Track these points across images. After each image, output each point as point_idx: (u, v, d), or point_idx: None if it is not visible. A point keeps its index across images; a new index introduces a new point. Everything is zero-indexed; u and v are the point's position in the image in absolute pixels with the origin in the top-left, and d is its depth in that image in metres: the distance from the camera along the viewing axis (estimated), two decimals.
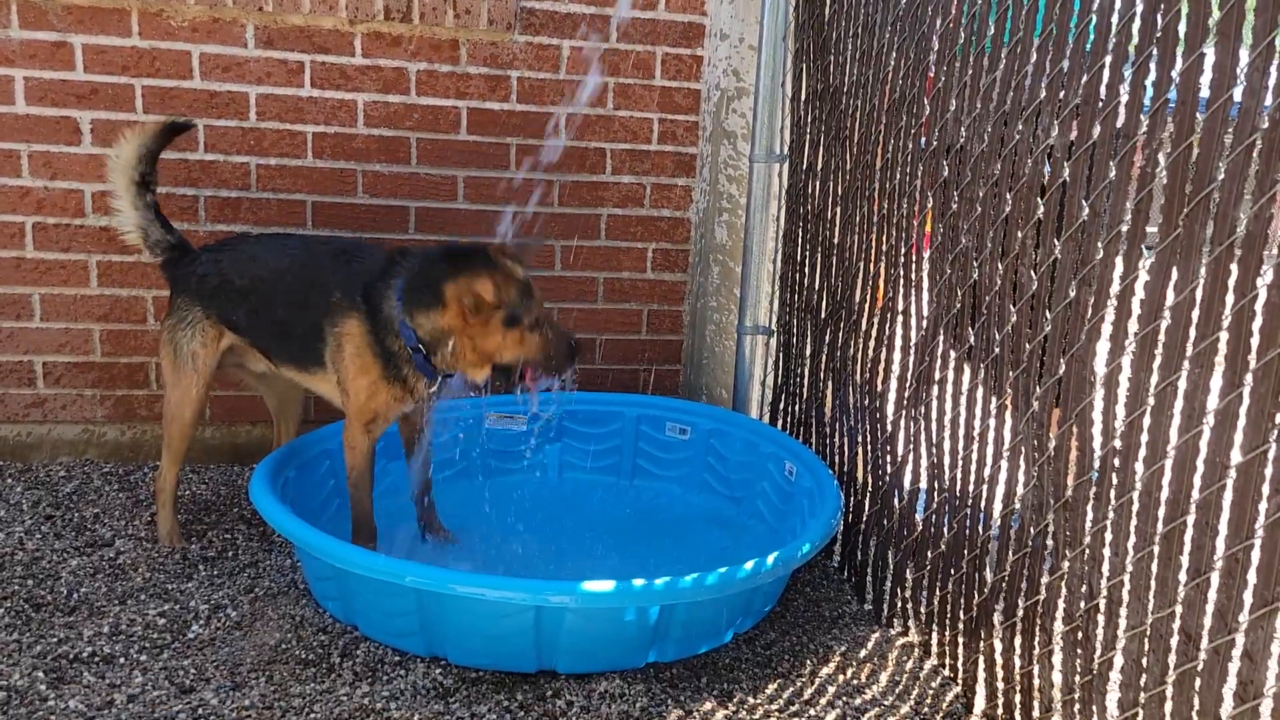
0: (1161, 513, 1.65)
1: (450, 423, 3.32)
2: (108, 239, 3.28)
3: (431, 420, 2.86)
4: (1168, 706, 1.65)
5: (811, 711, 2.24)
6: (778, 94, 3.33)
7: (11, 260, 3.24)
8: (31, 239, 3.24)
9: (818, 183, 3.06)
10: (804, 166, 3.16)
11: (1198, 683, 1.58)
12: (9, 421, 3.34)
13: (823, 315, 3.02)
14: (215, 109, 3.27)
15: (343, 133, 3.37)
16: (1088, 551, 1.83)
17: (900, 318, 2.55)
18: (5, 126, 3.15)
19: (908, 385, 2.51)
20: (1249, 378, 1.48)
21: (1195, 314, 1.58)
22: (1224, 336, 1.53)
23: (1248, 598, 1.48)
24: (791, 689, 2.33)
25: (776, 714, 2.22)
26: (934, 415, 2.39)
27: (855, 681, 2.37)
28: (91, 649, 2.33)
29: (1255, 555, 1.47)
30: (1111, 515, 1.76)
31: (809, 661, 2.45)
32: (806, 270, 3.15)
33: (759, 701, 2.27)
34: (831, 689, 2.33)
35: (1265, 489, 1.45)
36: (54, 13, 3.10)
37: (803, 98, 3.20)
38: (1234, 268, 1.51)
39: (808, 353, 3.14)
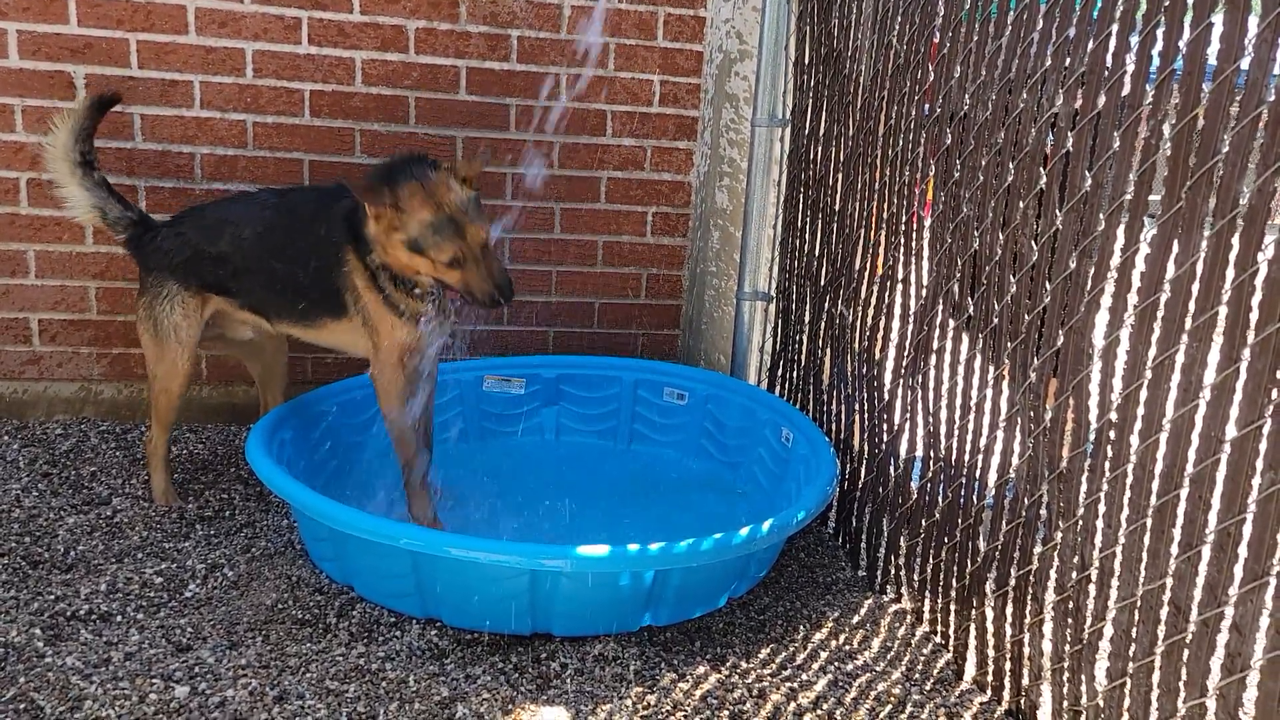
0: (1155, 486, 1.65)
1: (449, 385, 3.32)
2: None
3: (434, 375, 2.84)
4: (1155, 677, 1.66)
5: (804, 676, 2.26)
6: (780, 57, 3.29)
7: (6, 216, 3.22)
8: (26, 195, 3.22)
9: (820, 148, 3.03)
10: (806, 131, 3.14)
11: (1186, 654, 1.59)
12: (5, 379, 3.34)
13: (822, 282, 3.01)
14: (211, 65, 3.24)
15: (340, 91, 3.34)
16: (1081, 523, 1.84)
17: (900, 286, 2.54)
18: None
19: (906, 354, 2.51)
20: (1246, 353, 1.47)
21: (1195, 288, 1.57)
22: (1223, 311, 1.53)
23: (1238, 571, 1.49)
24: (784, 654, 2.35)
25: (769, 678, 2.24)
26: (931, 384, 2.39)
27: (847, 647, 2.39)
28: (89, 607, 2.35)
29: (1247, 530, 1.48)
30: (1105, 487, 1.77)
31: (802, 627, 2.47)
32: (807, 236, 3.13)
33: (751, 666, 2.29)
34: (824, 654, 2.35)
35: (1259, 464, 1.45)
36: None
37: (806, 61, 3.16)
38: (1235, 242, 1.50)
39: (806, 319, 3.14)
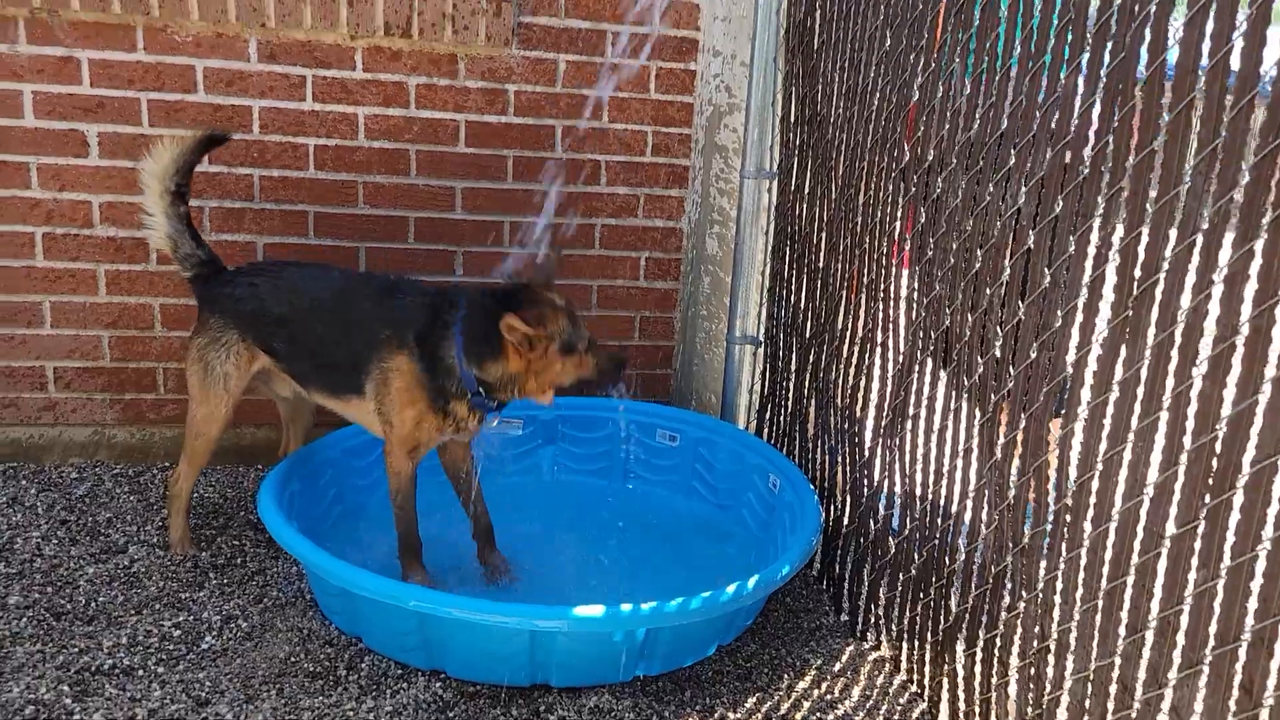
0: (1105, 570, 1.79)
1: None
2: (115, 248, 3.38)
3: (474, 452, 2.97)
4: None
5: None
6: (768, 112, 3.42)
7: (23, 269, 3.35)
8: (41, 249, 3.35)
9: (804, 206, 3.16)
10: (792, 187, 3.26)
11: None
12: (22, 424, 3.47)
13: (807, 335, 3.14)
14: (219, 122, 3.36)
15: (344, 145, 3.46)
16: (1041, 596, 1.98)
17: (879, 349, 2.68)
18: (14, 139, 3.24)
19: (884, 415, 2.65)
20: (1184, 457, 1.61)
21: (1140, 390, 1.71)
22: (1164, 416, 1.66)
23: (1176, 657, 1.63)
24: (769, 703, 2.49)
25: None
26: (907, 448, 2.53)
27: (829, 696, 2.53)
28: (111, 661, 2.48)
29: (1184, 620, 1.61)
30: (1062, 566, 1.91)
31: (786, 675, 2.61)
32: (792, 289, 3.26)
33: (739, 716, 2.43)
34: (807, 704, 2.49)
35: (1194, 560, 1.59)
36: (60, 28, 3.18)
37: (791, 120, 3.29)
38: (1174, 354, 1.64)
39: (793, 368, 3.27)
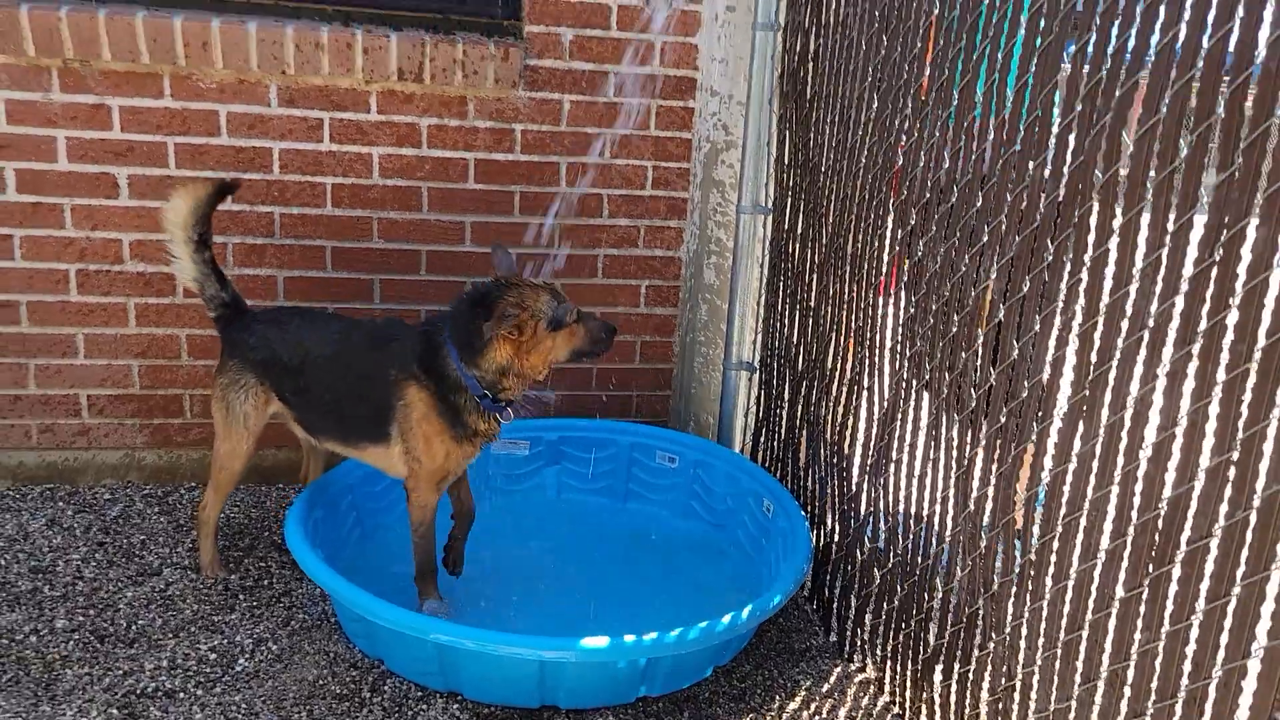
0: (1063, 623, 1.98)
1: None
2: (144, 283, 3.56)
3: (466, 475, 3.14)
4: None
5: None
6: (762, 152, 3.59)
7: (58, 304, 3.53)
8: (75, 284, 3.52)
9: (797, 245, 3.34)
10: (785, 226, 3.44)
11: None
12: (58, 448, 3.66)
13: (799, 368, 3.33)
14: (241, 163, 3.53)
15: (359, 183, 3.64)
16: (1008, 639, 2.17)
17: (865, 393, 2.86)
18: (49, 182, 3.41)
19: (870, 454, 2.83)
20: (1130, 529, 1.80)
21: (1095, 465, 1.90)
22: (1115, 490, 1.85)
23: (1124, 706, 1.83)
24: None
25: None
26: (890, 487, 2.72)
27: (818, 717, 2.73)
28: (154, 684, 2.69)
29: (1130, 674, 1.81)
30: (1027, 615, 2.10)
31: (778, 696, 2.81)
32: (785, 322, 3.44)
33: None
34: None
35: (1139, 622, 1.78)
36: (92, 77, 3.34)
37: (785, 161, 3.45)
38: (1124, 436, 1.82)
39: (785, 397, 3.46)
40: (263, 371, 3.02)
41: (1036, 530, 2.07)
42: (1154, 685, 1.75)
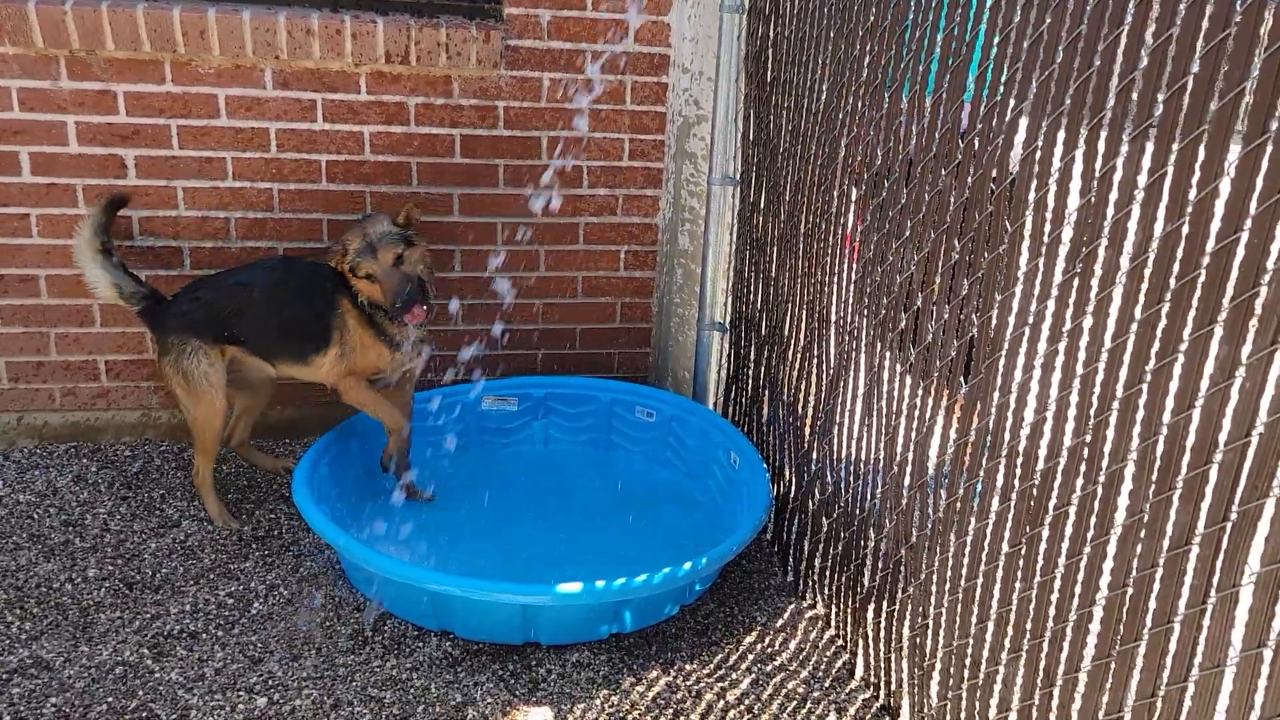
0: (964, 572, 2.30)
1: (454, 404, 3.97)
2: (154, 256, 3.84)
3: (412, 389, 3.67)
4: (962, 703, 2.34)
5: (733, 676, 2.95)
6: (730, 127, 3.82)
7: (74, 277, 3.80)
8: None
9: (760, 218, 3.59)
10: (750, 199, 3.69)
11: (980, 690, 2.26)
12: (81, 409, 3.97)
13: (762, 333, 3.61)
14: (240, 143, 3.77)
15: (352, 160, 3.88)
16: (923, 585, 2.49)
17: (815, 360, 3.14)
18: (61, 165, 3.66)
19: (819, 417, 3.13)
20: (1013, 495, 2.10)
21: (986, 440, 2.19)
22: (1002, 463, 2.15)
23: (1007, 643, 2.15)
24: (720, 655, 3.04)
25: (706, 679, 2.93)
26: (834, 446, 3.02)
27: (770, 650, 3.07)
28: (179, 626, 3.03)
29: (1012, 616, 2.12)
30: (936, 566, 2.41)
31: (737, 630, 3.15)
32: (750, 289, 3.71)
33: (693, 668, 2.98)
34: (750, 656, 3.04)
35: (1018, 573, 2.09)
36: (97, 65, 3.57)
37: (750, 138, 3.69)
38: (1009, 417, 2.11)
39: (751, 359, 3.74)
40: (206, 328, 3.38)
41: (944, 494, 2.37)
42: (1028, 625, 2.06)
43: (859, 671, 2.97)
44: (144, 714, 2.68)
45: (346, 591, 3.23)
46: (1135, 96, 1.65)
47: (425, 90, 3.84)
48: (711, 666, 2.99)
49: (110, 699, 2.72)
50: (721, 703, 2.83)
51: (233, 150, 3.77)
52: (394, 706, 2.75)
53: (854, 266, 2.82)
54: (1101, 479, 1.81)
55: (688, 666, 2.98)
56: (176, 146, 3.73)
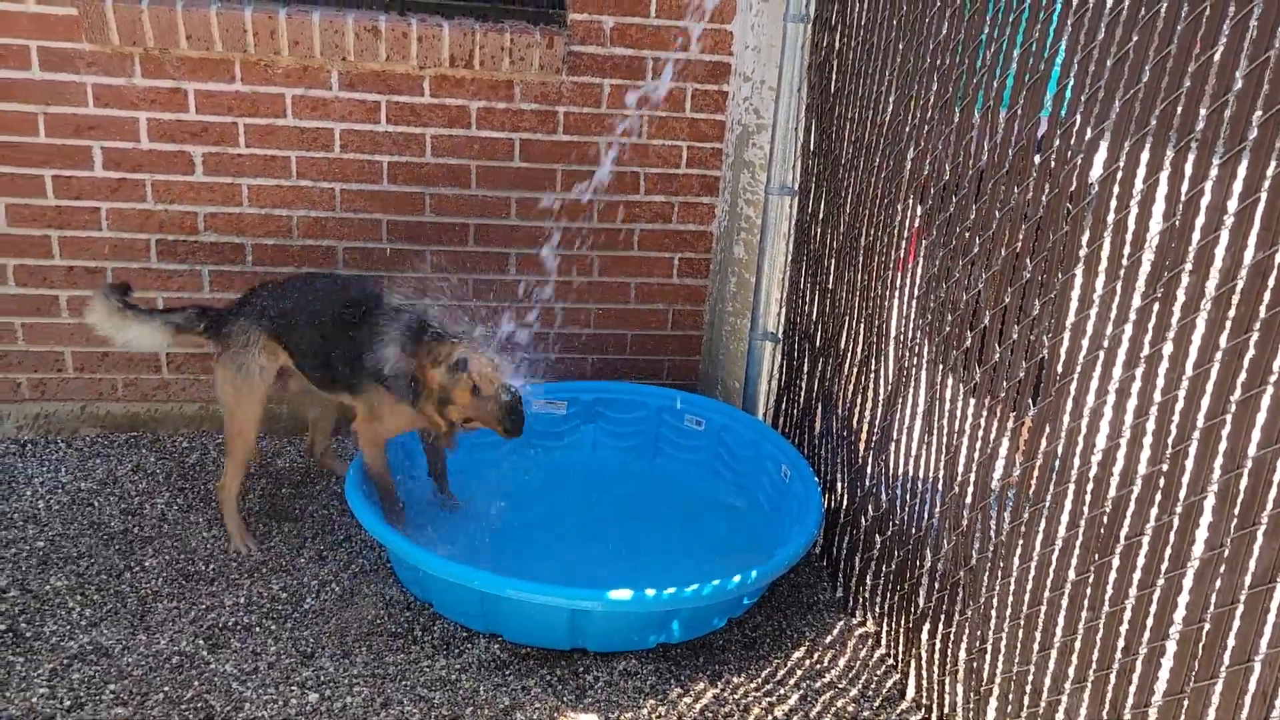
0: (1027, 599, 2.26)
1: None
2: (217, 252, 3.89)
3: None
4: None
5: (781, 691, 2.93)
6: (790, 137, 3.80)
7: (139, 270, 3.87)
8: (155, 253, 3.86)
9: (819, 229, 3.56)
10: (809, 210, 3.66)
11: (1040, 719, 2.23)
12: (142, 400, 4.04)
13: (817, 345, 3.58)
14: (305, 143, 3.82)
15: (413, 162, 3.91)
16: (982, 609, 2.45)
17: (873, 376, 3.11)
18: (132, 159, 3.73)
19: (875, 432, 3.10)
20: (1081, 522, 2.06)
21: (1055, 465, 2.15)
22: (1071, 489, 2.11)
23: (1071, 672, 2.11)
24: (768, 669, 3.02)
25: (754, 693, 2.91)
26: (891, 464, 2.99)
27: (819, 666, 3.05)
28: (234, 618, 3.06)
29: (1077, 644, 2.09)
30: (998, 590, 2.38)
31: (785, 645, 3.13)
32: (806, 300, 3.69)
33: (740, 681, 2.96)
34: (799, 672, 3.01)
35: (1085, 601, 2.05)
36: (170, 64, 3.63)
37: (811, 148, 3.66)
38: (1079, 442, 2.07)
39: (804, 370, 3.72)
40: (269, 321, 3.29)
41: (1007, 518, 2.33)
42: (1095, 655, 2.02)
43: (910, 692, 2.93)
44: (199, 704, 2.71)
45: (397, 590, 3.25)
46: (1228, 117, 1.61)
47: (487, 94, 3.86)
48: (759, 680, 2.97)
49: (167, 688, 2.75)
50: (769, 717, 2.81)
51: (297, 150, 3.82)
52: (443, 707, 2.76)
53: (917, 282, 2.79)
54: (1179, 510, 1.77)
55: (735, 679, 2.96)
56: (243, 145, 3.79)
